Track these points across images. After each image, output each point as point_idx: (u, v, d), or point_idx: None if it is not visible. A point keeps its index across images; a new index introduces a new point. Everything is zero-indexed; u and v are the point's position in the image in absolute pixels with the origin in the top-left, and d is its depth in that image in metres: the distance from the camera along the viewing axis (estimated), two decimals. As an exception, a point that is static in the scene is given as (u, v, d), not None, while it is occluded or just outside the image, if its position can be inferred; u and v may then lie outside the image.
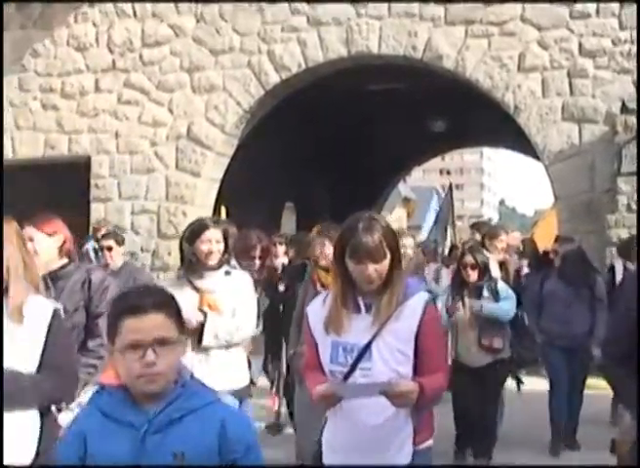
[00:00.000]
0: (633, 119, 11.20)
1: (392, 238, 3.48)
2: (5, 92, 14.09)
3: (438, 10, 12.60)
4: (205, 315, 5.22)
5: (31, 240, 4.58)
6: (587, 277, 8.15)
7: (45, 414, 3.43)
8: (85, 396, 4.99)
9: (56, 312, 3.49)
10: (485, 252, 8.28)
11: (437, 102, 17.43)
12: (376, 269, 3.40)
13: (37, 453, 3.32)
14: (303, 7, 13.16)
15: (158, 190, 13.68)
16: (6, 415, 3.22)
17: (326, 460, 3.62)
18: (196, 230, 5.32)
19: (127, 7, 13.96)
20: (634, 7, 11.83)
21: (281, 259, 8.43)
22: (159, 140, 13.77)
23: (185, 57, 13.70)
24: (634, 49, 11.90)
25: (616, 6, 12.05)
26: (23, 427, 3.31)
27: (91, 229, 12.53)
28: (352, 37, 12.93)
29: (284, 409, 7.96)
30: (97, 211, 13.80)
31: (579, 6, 12.15)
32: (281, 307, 7.36)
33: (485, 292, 7.32)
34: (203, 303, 5.28)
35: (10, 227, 3.56)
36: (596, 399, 8.27)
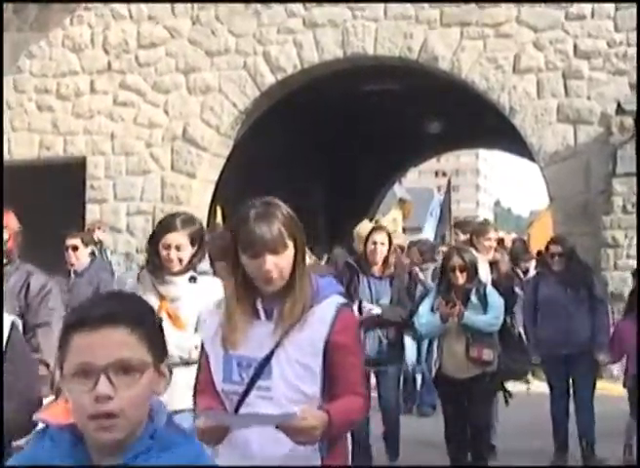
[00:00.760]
0: (629, 120, 11.22)
1: (295, 227, 2.91)
2: (0, 93, 14.09)
3: (434, 12, 12.61)
4: None
5: None
6: (585, 277, 7.68)
7: None
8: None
9: (13, 325, 3.06)
10: (473, 251, 7.65)
11: (433, 104, 17.44)
12: (275, 263, 2.79)
13: None
14: (299, 9, 13.16)
15: (154, 191, 13.67)
16: None
17: None
18: (157, 232, 4.73)
19: (122, 9, 13.96)
20: (630, 9, 11.86)
21: None
22: (155, 142, 13.76)
23: (181, 58, 13.70)
24: (629, 50, 11.92)
25: (611, 8, 12.07)
26: None
27: (85, 230, 12.52)
28: (348, 39, 12.93)
29: None
30: (92, 212, 13.78)
31: (574, 7, 12.17)
32: None
33: (473, 298, 6.69)
34: (160, 312, 4.55)
35: None
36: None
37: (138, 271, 4.95)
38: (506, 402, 7.03)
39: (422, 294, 7.52)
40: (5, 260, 4.26)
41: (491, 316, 6.70)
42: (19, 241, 4.47)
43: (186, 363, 4.49)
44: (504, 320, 6.84)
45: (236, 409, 2.87)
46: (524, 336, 8.00)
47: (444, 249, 11.62)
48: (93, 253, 8.38)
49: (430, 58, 12.62)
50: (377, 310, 8.22)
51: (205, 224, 13.50)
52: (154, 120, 13.77)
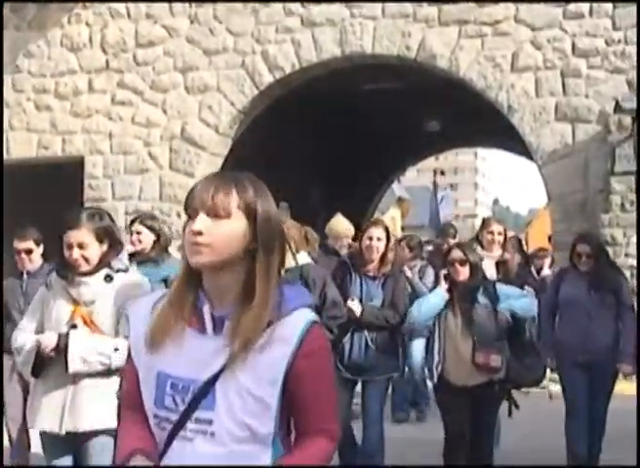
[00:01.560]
0: (627, 119, 11.22)
1: (262, 207, 2.31)
2: (-2, 92, 14.09)
3: (432, 10, 12.61)
4: (67, 334, 4.21)
5: None
6: (613, 281, 6.93)
7: None
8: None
9: None
10: (479, 250, 7.29)
11: (431, 102, 17.44)
12: (209, 228, 2.19)
13: None
14: (297, 8, 13.16)
15: (152, 190, 13.67)
16: None
17: None
18: (63, 230, 4.36)
19: (120, 8, 13.95)
20: (628, 8, 11.87)
21: None
22: (153, 141, 13.76)
23: (179, 57, 13.69)
24: (628, 49, 11.93)
25: (609, 6, 12.08)
26: None
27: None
28: (346, 37, 12.93)
29: None
30: (90, 211, 13.76)
31: (572, 6, 12.17)
32: None
33: (480, 297, 6.09)
34: (75, 317, 4.26)
35: None
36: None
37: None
38: (510, 413, 6.30)
39: (411, 296, 7.15)
40: None
41: (525, 300, 6.30)
42: None
43: (109, 371, 4.20)
44: (515, 321, 6.20)
45: (168, 442, 2.26)
46: (536, 339, 7.46)
47: (430, 248, 11.52)
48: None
49: (428, 57, 12.62)
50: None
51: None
52: (152, 119, 13.77)
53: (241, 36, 13.41)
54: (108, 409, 4.13)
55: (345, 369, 6.40)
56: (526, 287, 10.90)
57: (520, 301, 6.19)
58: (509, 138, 14.39)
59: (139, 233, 6.93)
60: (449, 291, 6.15)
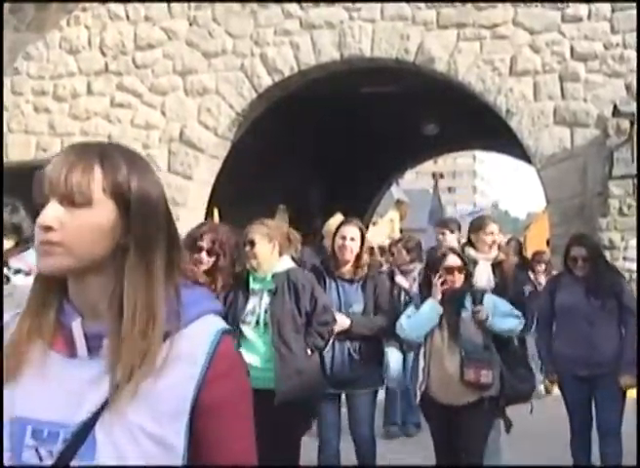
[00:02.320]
0: (625, 122, 11.23)
1: (132, 183, 1.62)
2: (-3, 94, 14.09)
3: (430, 13, 12.62)
4: None
5: None
6: (613, 285, 6.38)
7: None
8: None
9: None
10: (472, 251, 6.91)
11: (429, 106, 17.45)
12: (61, 218, 1.58)
13: None
14: (296, 10, 13.17)
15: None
16: None
17: None
18: None
19: (119, 10, 13.96)
20: (627, 11, 11.88)
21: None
22: (152, 143, 13.75)
23: (178, 60, 13.70)
24: (626, 52, 11.94)
25: (608, 10, 12.08)
26: None
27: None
28: (345, 40, 12.94)
29: None
30: (89, 213, 13.76)
31: (570, 9, 12.18)
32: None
33: (467, 304, 5.63)
34: None
35: None
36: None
37: None
38: (508, 430, 5.74)
39: (406, 302, 6.59)
40: None
41: (510, 322, 5.70)
42: None
43: None
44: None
45: None
46: (533, 351, 7.10)
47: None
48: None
49: (427, 60, 12.63)
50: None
51: (202, 226, 13.50)
52: (151, 122, 13.77)
53: (240, 39, 13.41)
54: None
55: (327, 382, 5.90)
56: (526, 287, 10.76)
57: (505, 323, 5.64)
58: (508, 142, 14.39)
59: None
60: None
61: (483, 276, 6.34)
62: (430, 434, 5.87)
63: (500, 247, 7.25)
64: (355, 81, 14.91)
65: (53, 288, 1.66)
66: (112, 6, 13.98)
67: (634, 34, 11.87)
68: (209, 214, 13.70)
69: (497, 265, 7.01)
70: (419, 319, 5.69)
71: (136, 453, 1.55)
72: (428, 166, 70.75)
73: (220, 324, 1.68)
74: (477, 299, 5.63)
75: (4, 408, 1.60)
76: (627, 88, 11.86)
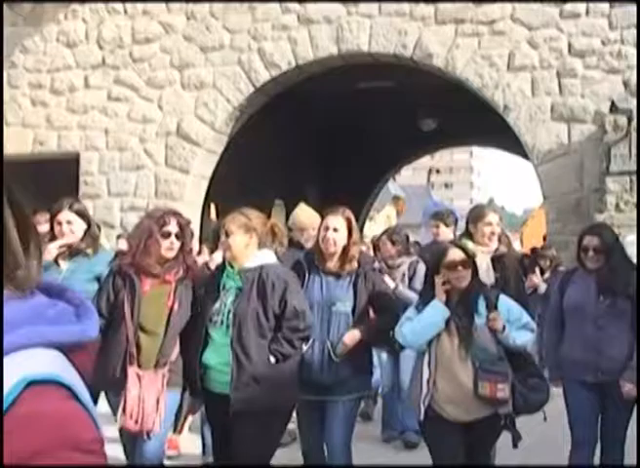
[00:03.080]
0: (622, 119, 11.23)
1: None
2: (-6, 88, 14.07)
3: (428, 9, 12.61)
4: None
5: None
6: (628, 282, 5.56)
7: None
8: None
9: None
10: (469, 243, 6.13)
11: (427, 101, 17.45)
12: None
13: None
14: (294, 5, 13.15)
15: (147, 187, 13.65)
16: None
17: None
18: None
19: (117, 4, 13.94)
20: (624, 8, 11.88)
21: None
22: (148, 137, 13.74)
23: (175, 54, 13.68)
24: (624, 49, 11.94)
25: (605, 6, 12.08)
26: None
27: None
28: (342, 35, 12.93)
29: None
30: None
31: (568, 6, 12.18)
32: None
33: (481, 308, 4.94)
34: None
35: None
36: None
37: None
38: (515, 444, 5.01)
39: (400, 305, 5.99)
40: None
41: (524, 335, 5.02)
42: None
43: None
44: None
45: None
46: (541, 354, 6.55)
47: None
48: None
49: (425, 56, 12.62)
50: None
51: (199, 220, 13.51)
52: (148, 115, 13.76)
53: (237, 33, 13.40)
54: None
55: (305, 387, 5.31)
56: (533, 278, 10.57)
57: (520, 337, 4.97)
58: (505, 138, 14.40)
59: (69, 222, 5.80)
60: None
61: (481, 271, 5.41)
62: (431, 454, 5.11)
63: (500, 239, 6.53)
64: (353, 76, 14.90)
65: None
66: (111, 2, 13.95)
67: (632, 31, 11.88)
68: (205, 208, 13.69)
69: (497, 259, 6.37)
70: (422, 323, 4.95)
71: None
72: (425, 161, 70.80)
73: (34, 367, 1.08)
74: (492, 303, 4.93)
75: None
76: (625, 84, 11.87)
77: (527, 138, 12.34)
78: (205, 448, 6.75)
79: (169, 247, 5.12)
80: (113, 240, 13.57)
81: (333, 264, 5.55)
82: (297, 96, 14.56)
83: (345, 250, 5.53)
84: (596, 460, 5.65)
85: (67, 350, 1.14)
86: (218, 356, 5.04)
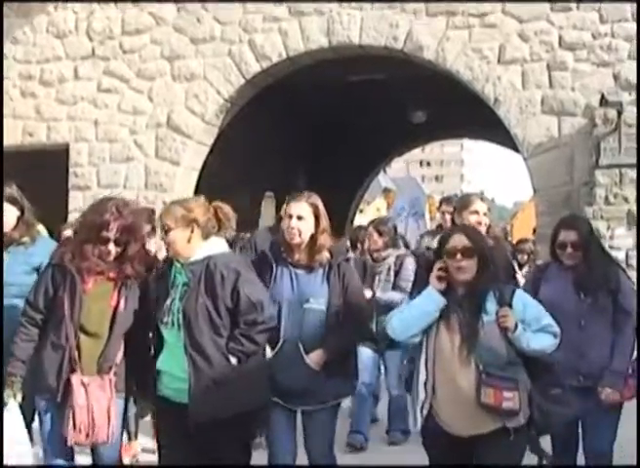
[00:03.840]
0: (612, 112, 11.25)
1: None
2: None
3: (419, 1, 12.59)
4: None
5: None
6: (608, 278, 5.23)
7: None
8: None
9: None
10: None
11: (418, 93, 17.45)
12: None
13: None
14: (285, -4, 13.12)
15: (137, 179, 13.62)
16: None
17: None
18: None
19: (107, -6, 13.88)
20: (615, 3, 11.89)
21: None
22: (138, 129, 13.71)
23: (166, 45, 13.64)
24: (614, 42, 11.96)
25: (596, -1, 12.09)
26: None
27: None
28: (333, 27, 12.90)
29: None
30: (75, 199, 13.72)
31: (559, -1, 12.19)
32: None
33: (489, 306, 4.25)
34: None
35: None
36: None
37: None
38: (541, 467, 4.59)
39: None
40: None
41: (544, 339, 4.32)
42: None
43: None
44: None
45: None
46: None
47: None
48: None
49: (415, 48, 12.61)
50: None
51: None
52: (138, 107, 13.72)
53: (228, 25, 13.36)
54: None
55: (276, 394, 4.84)
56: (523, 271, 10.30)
57: (536, 340, 4.26)
58: (495, 131, 14.42)
59: None
60: (444, 293, 4.31)
61: None
62: None
63: (488, 230, 5.97)
64: (343, 68, 14.88)
65: None
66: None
67: (623, 24, 11.89)
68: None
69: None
70: (412, 311, 4.38)
71: None
72: (416, 154, 70.81)
73: None
74: (505, 298, 4.27)
75: None
76: (615, 77, 11.89)
77: (517, 131, 12.35)
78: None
79: (106, 253, 4.64)
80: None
81: (301, 255, 4.99)
82: (287, 88, 14.54)
83: (313, 239, 4.96)
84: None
85: None
86: (172, 360, 4.58)
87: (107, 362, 4.63)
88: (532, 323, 4.28)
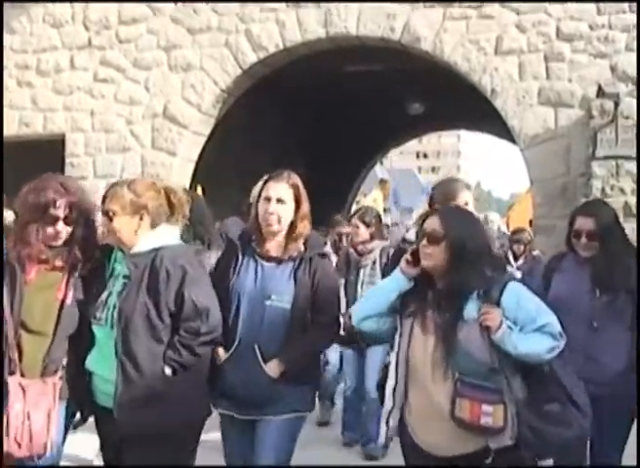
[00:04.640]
0: (609, 103, 11.25)
1: None
2: (-21, 68, 13.96)
3: (416, -8, 12.56)
4: None
5: None
6: (627, 272, 4.58)
7: None
8: None
9: None
10: None
11: (415, 85, 17.42)
12: None
13: None
14: (282, -13, 13.09)
15: (133, 169, 13.60)
16: None
17: None
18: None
19: (104, -16, 13.84)
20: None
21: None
22: (135, 119, 13.68)
23: (162, 35, 13.60)
24: (611, 33, 11.94)
25: (593, -10, 12.07)
26: None
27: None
28: (330, 18, 12.87)
29: None
30: (71, 189, 13.69)
31: (557, -10, 12.16)
32: None
33: (471, 304, 3.54)
34: None
35: None
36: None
37: None
38: None
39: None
40: None
41: (537, 343, 3.52)
42: None
43: None
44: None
45: None
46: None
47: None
48: None
49: (413, 39, 12.58)
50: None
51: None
52: (135, 97, 13.69)
53: (225, 15, 13.32)
54: None
55: (228, 403, 4.29)
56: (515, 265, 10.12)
57: (528, 342, 3.50)
58: (492, 122, 14.40)
59: None
60: (422, 287, 3.69)
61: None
62: None
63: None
64: (340, 59, 14.86)
65: None
66: (96, -20, 13.85)
67: (620, 15, 11.88)
68: (193, 191, 13.63)
69: None
70: (372, 292, 4.02)
71: None
72: (413, 145, 70.73)
73: None
74: (491, 294, 3.54)
75: None
76: (612, 69, 11.88)
77: (514, 123, 12.34)
78: None
79: (54, 235, 4.07)
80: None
81: (274, 245, 4.33)
82: (284, 78, 14.51)
83: (292, 227, 4.33)
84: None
85: None
86: (103, 361, 4.00)
87: (53, 363, 4.02)
88: (527, 322, 3.53)
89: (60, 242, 4.08)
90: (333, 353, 7.86)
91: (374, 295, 3.86)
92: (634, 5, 11.70)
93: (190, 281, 3.94)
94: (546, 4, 12.16)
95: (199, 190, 13.25)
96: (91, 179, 13.67)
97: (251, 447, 4.31)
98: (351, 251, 7.12)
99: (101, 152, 13.77)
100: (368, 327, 3.80)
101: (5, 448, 3.92)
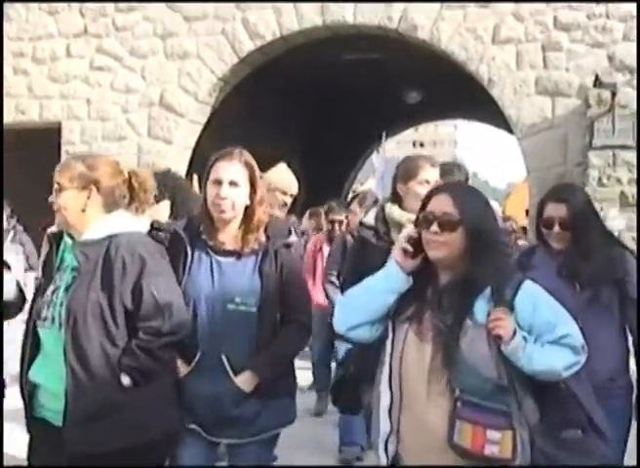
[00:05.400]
0: (606, 93, 11.25)
1: None
2: (-25, 55, 13.91)
3: (414, -20, 12.53)
4: None
5: None
6: (611, 265, 4.03)
7: None
8: None
9: None
10: (395, 210, 4.46)
11: (412, 74, 17.39)
12: None
13: None
14: (279, -25, 13.04)
15: (130, 157, 13.57)
16: None
17: None
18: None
19: (100, -29, 13.78)
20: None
21: None
22: (131, 107, 13.65)
23: (159, 23, 13.56)
24: (608, 23, 11.92)
25: (591, -20, 12.05)
26: None
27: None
28: (328, 6, 12.83)
29: None
30: (68, 177, 13.66)
31: (554, -21, 12.13)
32: None
33: (479, 307, 2.87)
34: None
35: None
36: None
37: None
38: None
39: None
40: None
41: (572, 345, 2.91)
42: None
43: None
44: None
45: None
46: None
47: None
48: None
49: (410, 28, 12.55)
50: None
51: (181, 191, 13.44)
52: (131, 85, 13.65)
53: (222, 3, 13.27)
54: None
55: (192, 421, 3.60)
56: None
57: (546, 357, 2.85)
58: (489, 111, 14.38)
59: None
60: (421, 282, 3.02)
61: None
62: None
63: None
64: (338, 48, 14.83)
65: None
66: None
67: (617, 5, 11.85)
68: (188, 179, 13.61)
69: None
70: (359, 292, 3.14)
71: None
72: (410, 134, 70.68)
73: None
74: (504, 295, 2.87)
75: None
76: (610, 58, 11.86)
77: (511, 112, 12.32)
78: None
79: None
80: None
81: (229, 237, 3.68)
82: (281, 66, 14.47)
83: (249, 213, 3.69)
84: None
85: None
86: (48, 370, 3.42)
87: None
88: (543, 331, 2.89)
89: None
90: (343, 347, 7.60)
91: (362, 298, 3.08)
92: (632, -6, 11.69)
93: (150, 272, 3.36)
94: (544, -7, 12.14)
95: (195, 179, 13.25)
96: (87, 168, 13.63)
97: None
98: (349, 237, 6.45)
99: (97, 140, 13.74)
100: (358, 336, 3.11)
101: None
